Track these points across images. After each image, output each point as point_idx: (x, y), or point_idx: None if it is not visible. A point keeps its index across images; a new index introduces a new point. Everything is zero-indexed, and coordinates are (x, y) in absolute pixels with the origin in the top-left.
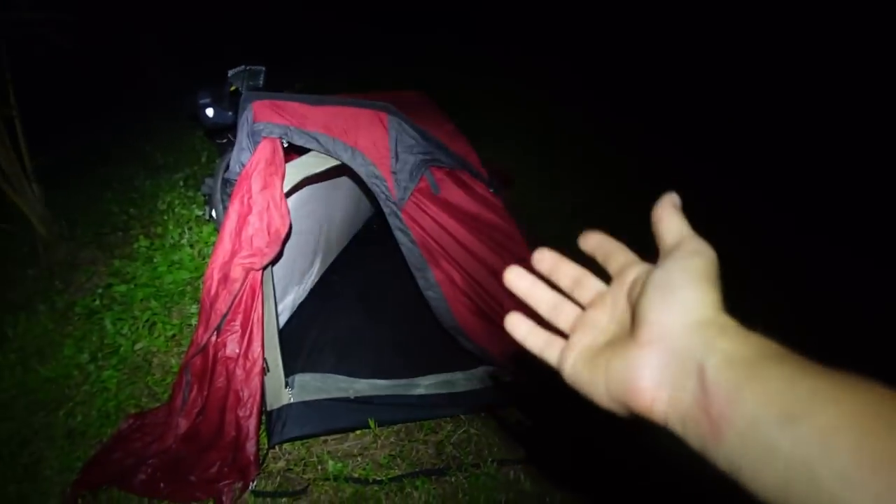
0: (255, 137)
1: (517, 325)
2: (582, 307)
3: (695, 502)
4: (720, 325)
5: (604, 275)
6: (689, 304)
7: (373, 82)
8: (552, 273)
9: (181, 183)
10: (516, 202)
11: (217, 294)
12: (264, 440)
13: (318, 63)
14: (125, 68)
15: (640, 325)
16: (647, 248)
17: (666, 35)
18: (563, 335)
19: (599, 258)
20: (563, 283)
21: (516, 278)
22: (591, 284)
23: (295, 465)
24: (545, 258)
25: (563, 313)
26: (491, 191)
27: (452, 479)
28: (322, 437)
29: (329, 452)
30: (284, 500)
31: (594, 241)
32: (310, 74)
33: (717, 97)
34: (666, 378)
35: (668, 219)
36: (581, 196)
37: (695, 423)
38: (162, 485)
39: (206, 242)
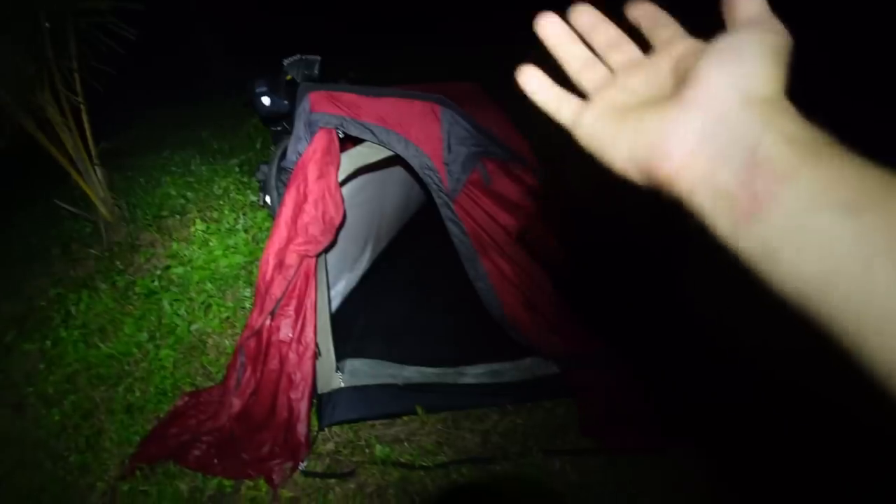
0: (311, 127)
1: (529, 78)
2: (611, 69)
3: None
4: (783, 106)
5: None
6: (754, 74)
7: (425, 73)
8: (590, 31)
9: (236, 169)
10: None
11: (272, 279)
12: (315, 422)
13: (368, 56)
14: (185, 58)
15: (690, 86)
16: None
17: None
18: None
19: (645, 27)
20: (599, 42)
21: (549, 24)
22: (630, 50)
23: (343, 447)
24: (585, 13)
25: (592, 73)
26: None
27: (498, 468)
28: (370, 422)
29: (377, 437)
30: (333, 481)
31: (644, 10)
32: (362, 65)
33: None
34: (707, 145)
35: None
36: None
37: (729, 198)
38: (215, 461)
39: (260, 228)
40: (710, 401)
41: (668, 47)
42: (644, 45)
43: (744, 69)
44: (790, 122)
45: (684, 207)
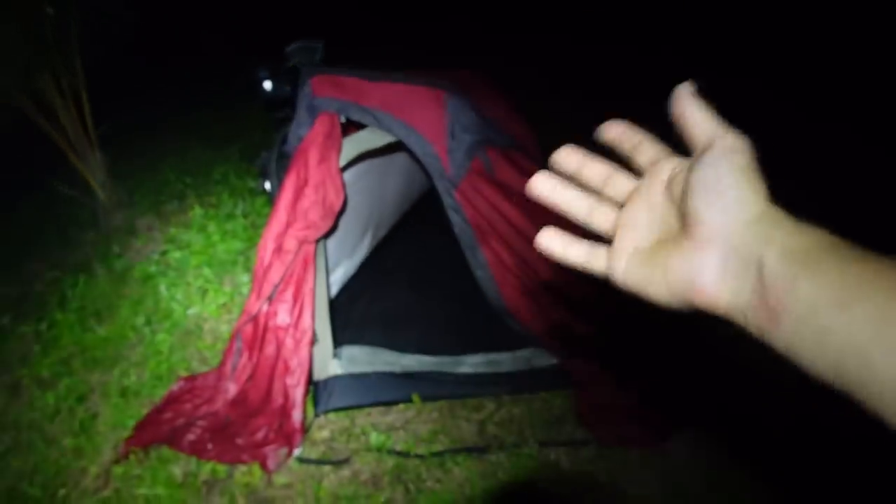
0: (313, 112)
1: (552, 241)
2: (614, 205)
3: None
4: (773, 217)
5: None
6: (741, 201)
7: (431, 60)
8: (579, 172)
9: (236, 155)
10: None
11: (270, 264)
12: (310, 409)
13: (373, 42)
14: (187, 43)
15: (693, 224)
16: None
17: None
18: (599, 239)
19: (625, 150)
20: (593, 181)
21: (542, 182)
22: (621, 182)
23: (339, 434)
24: (571, 156)
25: (600, 215)
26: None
27: (493, 458)
28: (366, 409)
29: (372, 424)
30: (328, 467)
31: (617, 131)
32: (367, 51)
33: None
34: (727, 275)
35: (692, 113)
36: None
37: (755, 312)
38: (210, 446)
39: (259, 214)
40: (707, 397)
41: (655, 170)
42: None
43: (729, 200)
44: (784, 233)
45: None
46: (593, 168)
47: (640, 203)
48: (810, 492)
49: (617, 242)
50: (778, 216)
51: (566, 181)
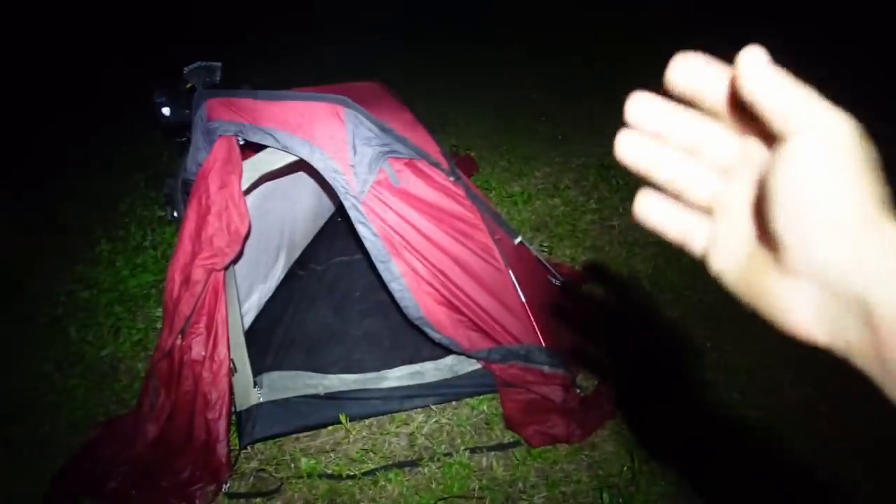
0: (210, 136)
1: (650, 209)
2: (714, 169)
3: None
4: (883, 240)
5: None
6: (837, 218)
7: (330, 75)
8: (663, 124)
9: (142, 184)
10: (481, 188)
11: (179, 296)
12: (235, 441)
13: (272, 61)
14: (72, 70)
15: (780, 246)
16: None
17: None
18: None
19: (703, 103)
20: (679, 143)
21: (627, 142)
22: (722, 140)
23: (268, 464)
24: (650, 104)
25: (695, 182)
26: (451, 179)
27: (425, 470)
28: (294, 435)
29: (301, 450)
30: (258, 500)
31: (692, 74)
32: (264, 72)
33: None
34: (822, 317)
35: (770, 87)
36: (546, 177)
37: (864, 358)
38: (134, 492)
39: (170, 244)
40: (631, 388)
41: (747, 149)
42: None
43: (822, 216)
44: (890, 260)
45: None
46: (674, 125)
47: (733, 182)
48: (735, 475)
49: (715, 225)
50: (890, 235)
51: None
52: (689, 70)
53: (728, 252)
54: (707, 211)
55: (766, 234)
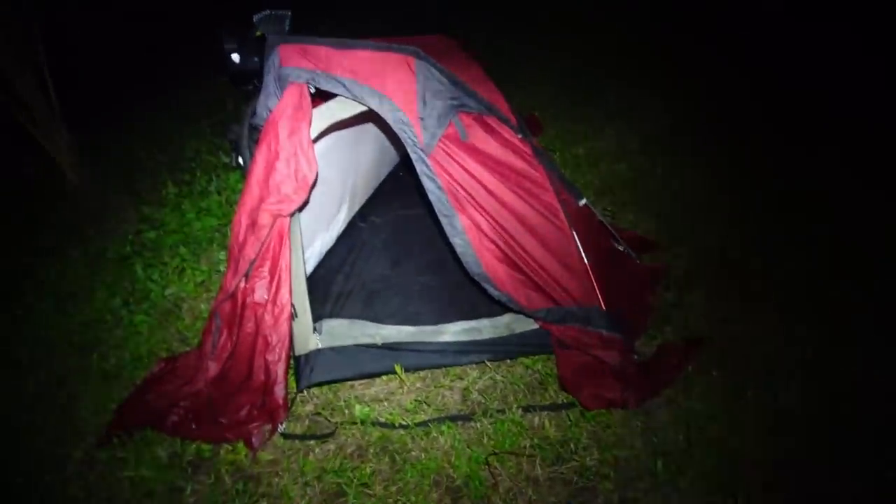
0: (282, 82)
1: None
2: None
3: None
4: None
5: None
6: None
7: (399, 28)
8: None
9: (208, 130)
10: (547, 147)
11: (245, 240)
12: (293, 384)
13: (340, 11)
14: (148, 17)
15: None
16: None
17: None
18: None
19: None
20: None
21: None
22: None
23: (323, 408)
24: None
25: None
26: (519, 136)
27: (477, 425)
28: (349, 382)
29: (356, 397)
30: (313, 442)
31: None
32: (335, 21)
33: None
34: None
35: None
36: (611, 141)
37: None
38: (193, 426)
39: (234, 189)
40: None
41: None
42: None
43: None
44: None
45: None
46: None
47: None
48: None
49: None
50: None
51: None
52: None
53: None
54: None
55: None
